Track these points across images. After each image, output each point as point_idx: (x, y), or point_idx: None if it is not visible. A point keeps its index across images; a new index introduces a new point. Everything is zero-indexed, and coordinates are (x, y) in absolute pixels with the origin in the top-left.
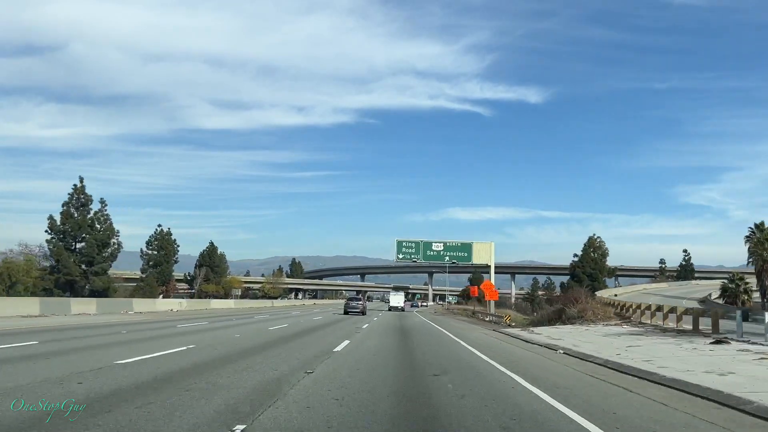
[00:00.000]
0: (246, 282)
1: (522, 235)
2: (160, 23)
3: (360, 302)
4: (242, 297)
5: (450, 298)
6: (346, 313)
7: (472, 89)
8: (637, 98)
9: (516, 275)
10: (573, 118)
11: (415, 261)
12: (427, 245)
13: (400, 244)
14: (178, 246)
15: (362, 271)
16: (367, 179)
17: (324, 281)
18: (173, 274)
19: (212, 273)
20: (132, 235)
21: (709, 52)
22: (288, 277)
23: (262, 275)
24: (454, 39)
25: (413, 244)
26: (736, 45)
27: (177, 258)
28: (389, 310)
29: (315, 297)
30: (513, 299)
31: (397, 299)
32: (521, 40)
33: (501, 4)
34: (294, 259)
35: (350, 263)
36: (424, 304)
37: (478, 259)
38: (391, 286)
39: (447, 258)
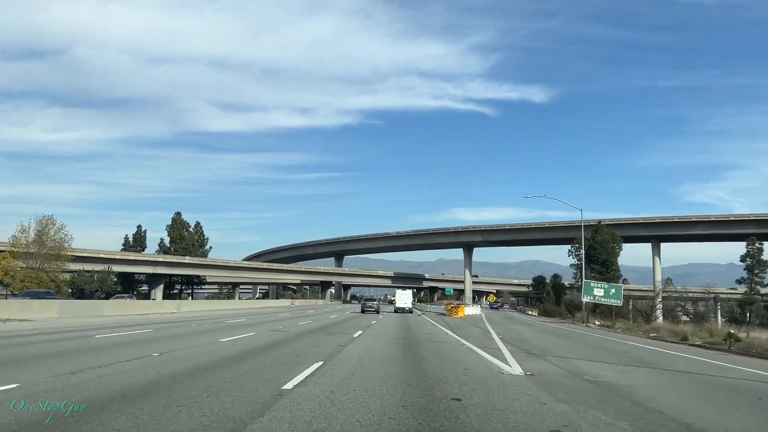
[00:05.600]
0: None
1: None
2: (163, 26)
3: (375, 302)
4: None
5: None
6: (363, 312)
7: (476, 89)
8: (641, 97)
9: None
10: (577, 117)
11: None
12: None
13: None
14: None
15: (339, 249)
16: (371, 180)
17: (267, 266)
18: None
19: None
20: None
21: (714, 49)
22: (162, 253)
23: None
24: (457, 39)
25: None
26: (741, 42)
27: None
28: (395, 311)
29: (265, 296)
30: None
31: (403, 298)
32: (525, 40)
33: (505, 4)
34: (177, 216)
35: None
36: (499, 303)
37: None
38: (390, 274)
39: None
